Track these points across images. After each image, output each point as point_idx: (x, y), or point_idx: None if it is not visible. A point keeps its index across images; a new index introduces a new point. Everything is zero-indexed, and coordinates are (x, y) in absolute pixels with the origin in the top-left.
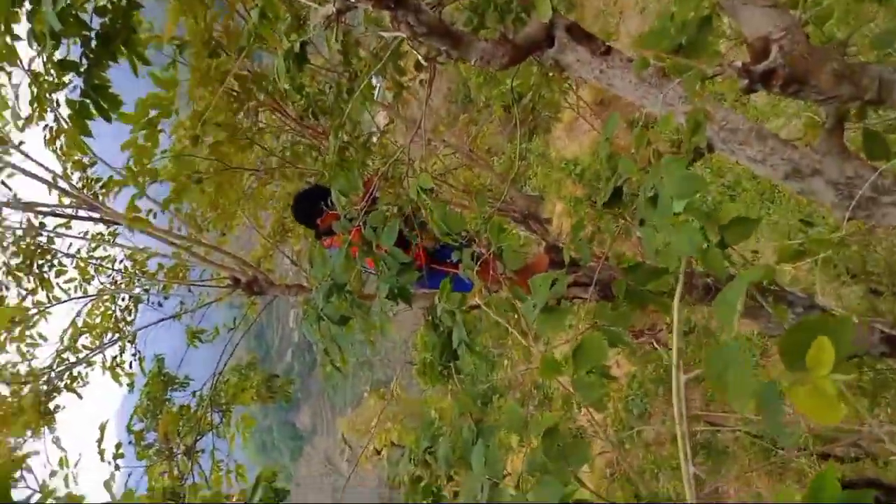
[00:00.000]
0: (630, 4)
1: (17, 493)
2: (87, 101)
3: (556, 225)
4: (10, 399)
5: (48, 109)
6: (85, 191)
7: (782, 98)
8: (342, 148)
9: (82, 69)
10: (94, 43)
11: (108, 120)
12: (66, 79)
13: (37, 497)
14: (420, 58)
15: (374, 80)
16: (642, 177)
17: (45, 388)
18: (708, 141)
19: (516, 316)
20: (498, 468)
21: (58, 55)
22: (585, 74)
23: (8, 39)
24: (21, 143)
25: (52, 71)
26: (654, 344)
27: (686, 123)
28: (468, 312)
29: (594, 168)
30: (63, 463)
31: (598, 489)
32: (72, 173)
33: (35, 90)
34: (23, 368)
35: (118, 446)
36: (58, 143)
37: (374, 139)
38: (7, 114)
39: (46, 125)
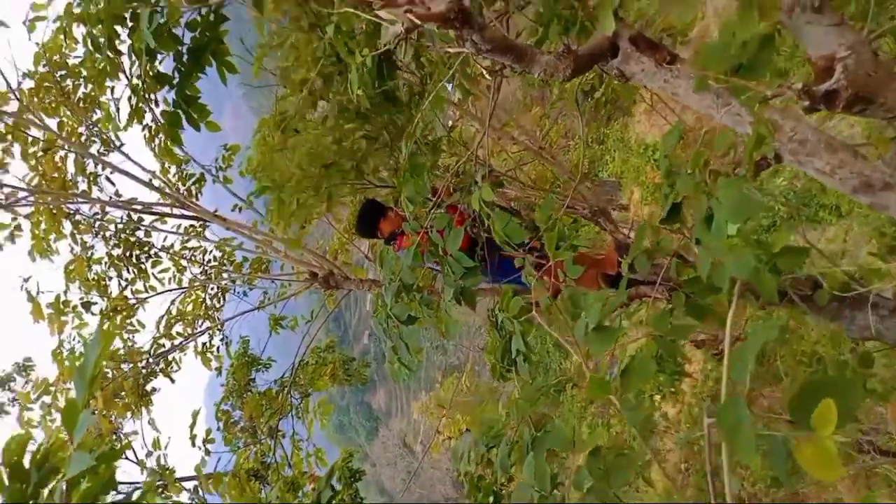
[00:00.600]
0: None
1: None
2: (179, 111)
3: (632, 212)
4: (112, 381)
5: (146, 112)
6: (179, 185)
7: None
8: (413, 154)
9: (174, 81)
10: (185, 57)
11: (197, 129)
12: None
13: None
14: (484, 71)
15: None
16: (700, 196)
17: (143, 371)
18: (776, 152)
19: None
20: (546, 481)
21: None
22: (650, 84)
23: (110, 54)
24: (122, 144)
25: (148, 83)
26: (717, 355)
27: (750, 137)
28: (529, 322)
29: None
30: (156, 445)
31: (670, 484)
32: (168, 168)
33: (134, 101)
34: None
35: (208, 432)
36: (156, 142)
37: (444, 140)
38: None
39: (146, 125)
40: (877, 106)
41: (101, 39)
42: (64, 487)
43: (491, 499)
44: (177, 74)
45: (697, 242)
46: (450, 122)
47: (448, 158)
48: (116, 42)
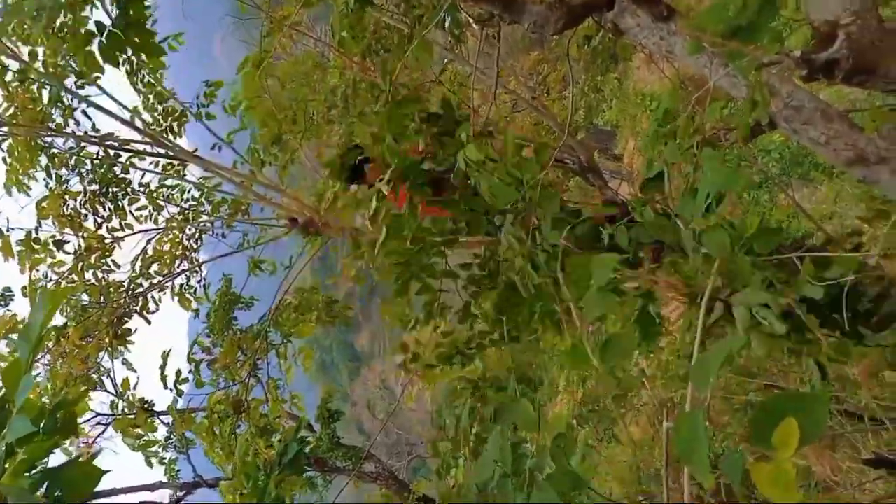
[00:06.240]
0: None
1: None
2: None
3: (627, 162)
4: (87, 317)
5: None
6: (161, 121)
7: None
8: (395, 97)
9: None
10: None
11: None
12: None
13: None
14: (472, 20)
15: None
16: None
17: (120, 311)
18: (770, 117)
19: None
20: (508, 459)
21: None
22: (645, 40)
23: None
24: (97, 77)
25: None
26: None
27: (745, 101)
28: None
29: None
30: (125, 385)
31: (642, 439)
32: (152, 102)
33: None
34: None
35: (178, 373)
36: (139, 76)
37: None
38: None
39: (127, 58)
40: (878, 77)
41: None
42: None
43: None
44: None
45: (676, 216)
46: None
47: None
48: None
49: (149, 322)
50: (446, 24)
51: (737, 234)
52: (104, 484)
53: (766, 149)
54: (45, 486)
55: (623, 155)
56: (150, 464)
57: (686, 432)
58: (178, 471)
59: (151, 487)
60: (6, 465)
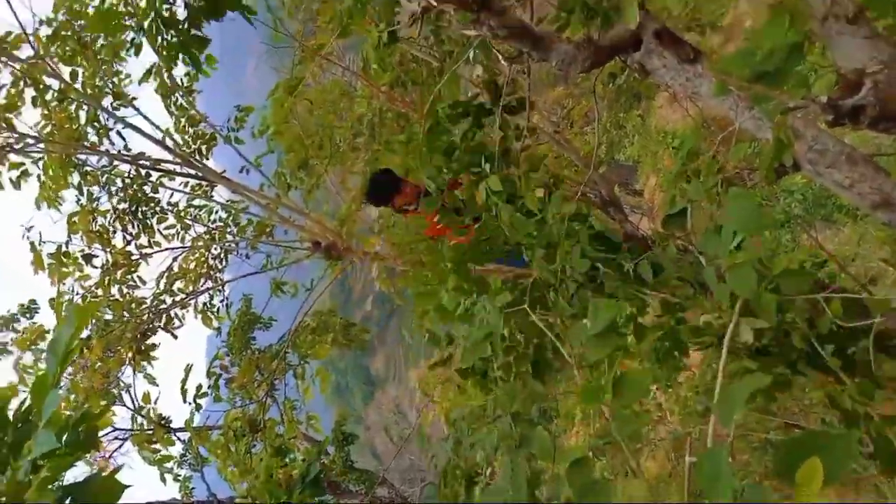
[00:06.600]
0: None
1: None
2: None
3: (647, 198)
4: (111, 331)
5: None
6: (191, 143)
7: None
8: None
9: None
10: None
11: (199, 68)
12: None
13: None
14: (501, 58)
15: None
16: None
17: (143, 326)
18: (795, 160)
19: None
20: (522, 490)
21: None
22: (671, 81)
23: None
24: (134, 98)
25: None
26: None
27: (769, 144)
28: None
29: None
30: (146, 399)
31: (659, 474)
32: (184, 125)
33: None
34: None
35: (199, 388)
36: (172, 98)
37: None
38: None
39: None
40: None
41: None
42: (27, 467)
43: (463, 485)
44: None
45: (700, 254)
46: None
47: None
48: None
49: (175, 336)
50: (475, 61)
51: (764, 273)
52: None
53: (789, 189)
54: (68, 499)
55: (643, 190)
56: (164, 480)
57: (709, 467)
58: (193, 488)
59: None
60: (31, 478)
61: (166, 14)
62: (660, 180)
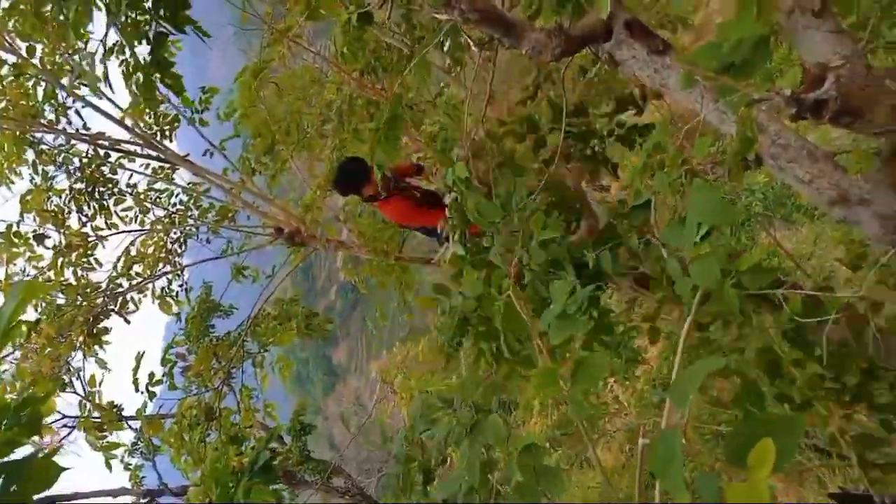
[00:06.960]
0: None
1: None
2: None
3: (613, 194)
4: (62, 315)
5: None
6: (153, 125)
7: None
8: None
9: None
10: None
11: (177, 94)
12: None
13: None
14: (471, 42)
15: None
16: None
17: (96, 309)
18: (757, 154)
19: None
20: (476, 473)
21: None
22: (639, 72)
23: None
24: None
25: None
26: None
27: (734, 138)
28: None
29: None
30: (92, 383)
31: (613, 466)
32: (144, 109)
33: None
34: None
35: (151, 375)
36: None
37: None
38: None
39: (123, 60)
40: (864, 120)
41: None
42: None
43: (421, 477)
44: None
45: (664, 246)
46: (440, 85)
47: (431, 126)
48: None
49: (128, 321)
50: (446, 47)
51: (727, 267)
52: (67, 487)
53: (751, 188)
54: (0, 479)
55: (609, 186)
56: (109, 466)
57: (663, 450)
58: (143, 477)
59: (114, 493)
60: None
61: None
62: (628, 175)
